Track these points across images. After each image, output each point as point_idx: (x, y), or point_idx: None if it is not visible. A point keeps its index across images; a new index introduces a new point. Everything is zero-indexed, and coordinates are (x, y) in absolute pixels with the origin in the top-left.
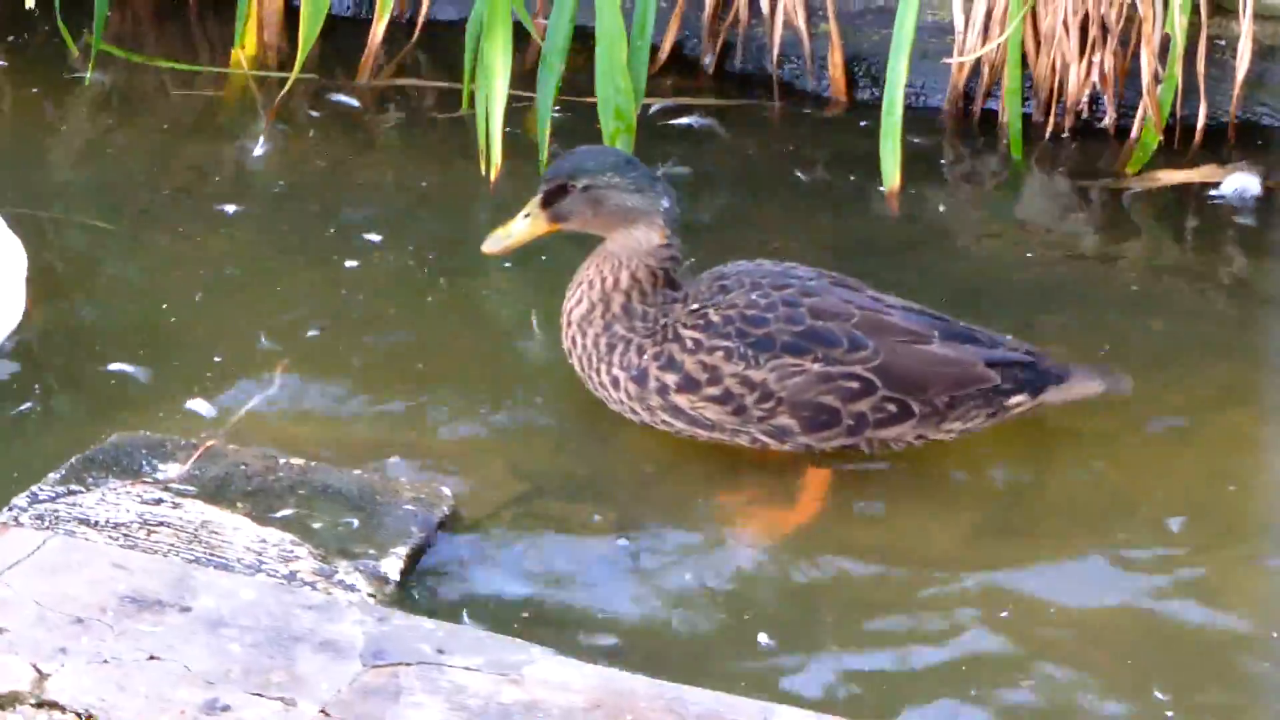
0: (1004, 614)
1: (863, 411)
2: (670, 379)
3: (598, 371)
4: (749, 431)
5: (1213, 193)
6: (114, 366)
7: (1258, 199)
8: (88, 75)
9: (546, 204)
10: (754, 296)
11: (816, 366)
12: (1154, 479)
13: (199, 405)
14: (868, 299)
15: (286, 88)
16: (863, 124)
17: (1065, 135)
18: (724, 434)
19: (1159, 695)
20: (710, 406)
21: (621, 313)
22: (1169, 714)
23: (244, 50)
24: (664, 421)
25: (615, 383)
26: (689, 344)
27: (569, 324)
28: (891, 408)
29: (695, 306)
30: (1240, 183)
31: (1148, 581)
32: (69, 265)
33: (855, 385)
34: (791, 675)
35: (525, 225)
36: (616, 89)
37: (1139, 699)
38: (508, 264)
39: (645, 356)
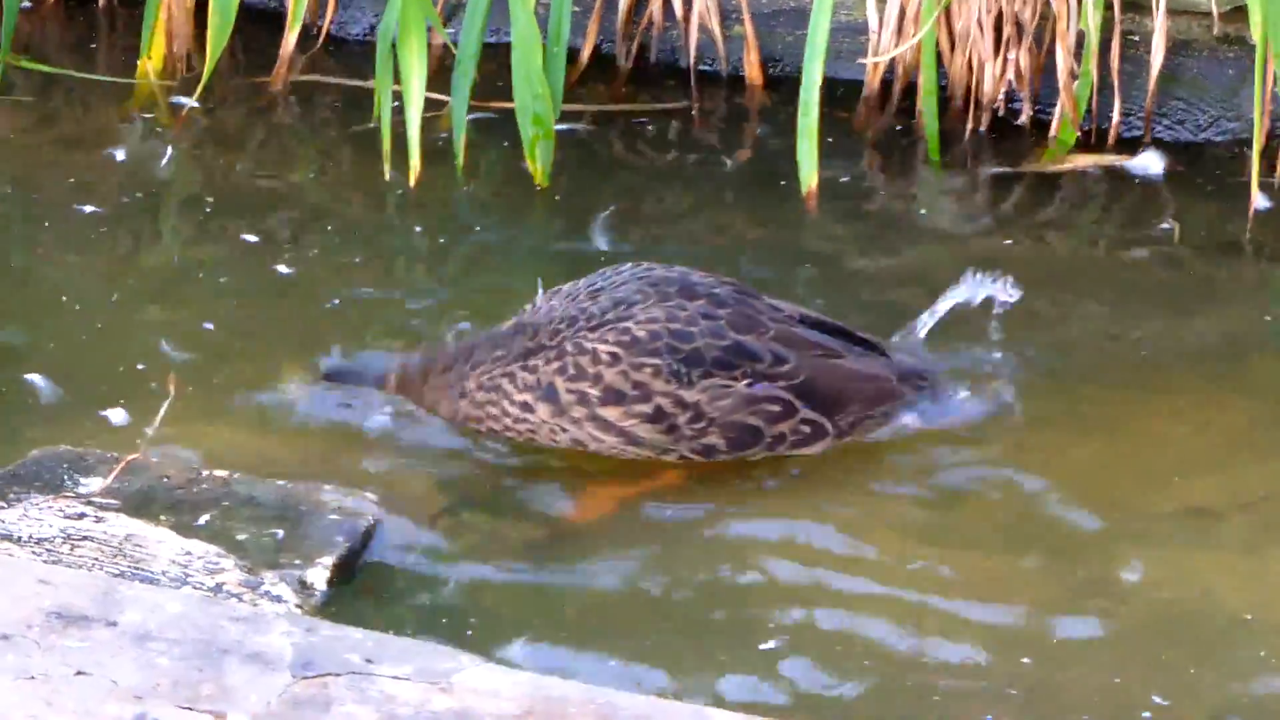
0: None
1: (783, 432)
2: (590, 389)
3: (504, 413)
4: (678, 450)
5: (1126, 165)
6: (29, 378)
7: (1163, 177)
8: None
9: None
10: (671, 308)
11: (744, 385)
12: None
13: (112, 416)
14: (769, 307)
15: (195, 96)
16: (779, 124)
17: (982, 133)
18: (653, 451)
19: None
20: (641, 425)
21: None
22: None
23: (150, 60)
24: (593, 437)
25: (528, 407)
26: (604, 356)
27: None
28: (806, 429)
29: (595, 325)
30: (1145, 161)
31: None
32: None
33: (778, 408)
34: (726, 678)
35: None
36: (534, 95)
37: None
38: (420, 268)
39: (544, 374)
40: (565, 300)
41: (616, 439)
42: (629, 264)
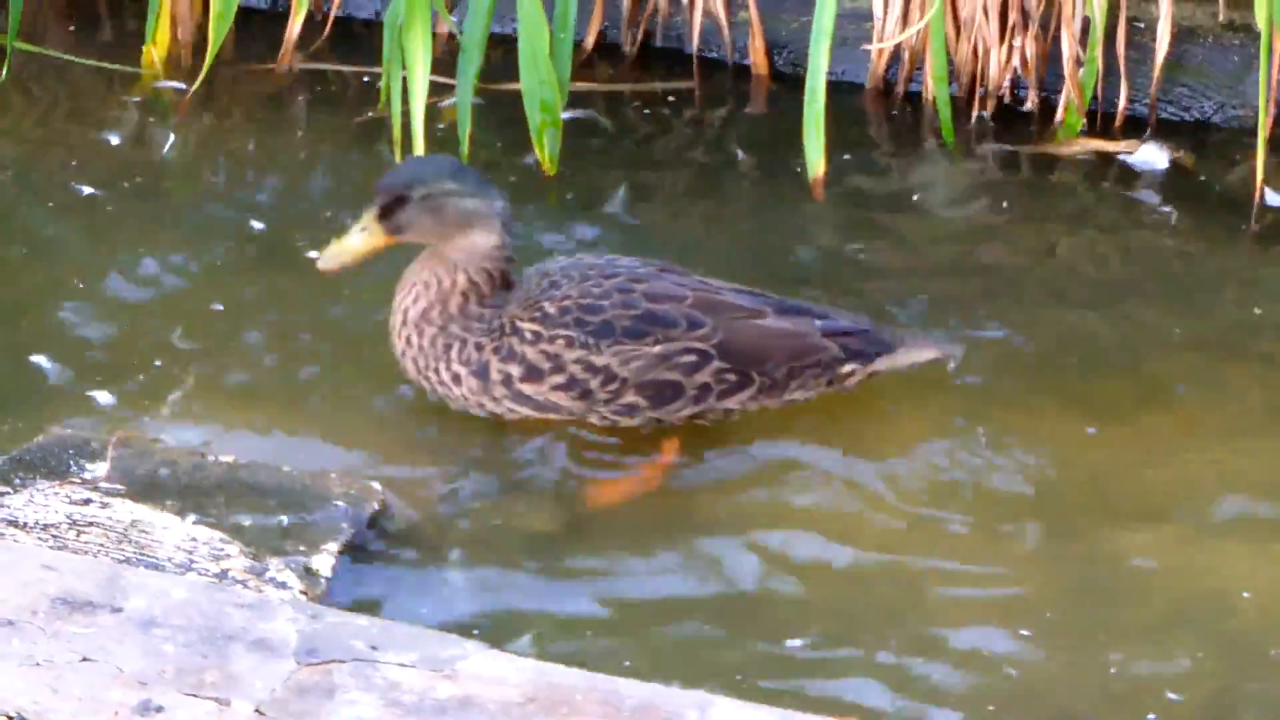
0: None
1: (706, 382)
2: (513, 369)
3: (436, 371)
4: (598, 412)
5: (1126, 159)
6: (35, 359)
7: (1166, 171)
8: (2, 73)
9: (383, 216)
10: (587, 285)
11: (657, 349)
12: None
13: (118, 400)
14: (696, 281)
15: (196, 84)
16: (785, 111)
17: (988, 119)
18: (572, 417)
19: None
20: (557, 394)
21: (458, 313)
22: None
23: (156, 48)
24: (510, 409)
25: (456, 379)
26: (528, 335)
27: (404, 323)
28: (732, 377)
29: (529, 302)
30: (1148, 155)
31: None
32: None
33: (693, 359)
34: (733, 665)
35: (361, 239)
36: (540, 81)
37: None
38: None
39: (484, 352)
40: (529, 283)
41: (531, 409)
42: (563, 256)
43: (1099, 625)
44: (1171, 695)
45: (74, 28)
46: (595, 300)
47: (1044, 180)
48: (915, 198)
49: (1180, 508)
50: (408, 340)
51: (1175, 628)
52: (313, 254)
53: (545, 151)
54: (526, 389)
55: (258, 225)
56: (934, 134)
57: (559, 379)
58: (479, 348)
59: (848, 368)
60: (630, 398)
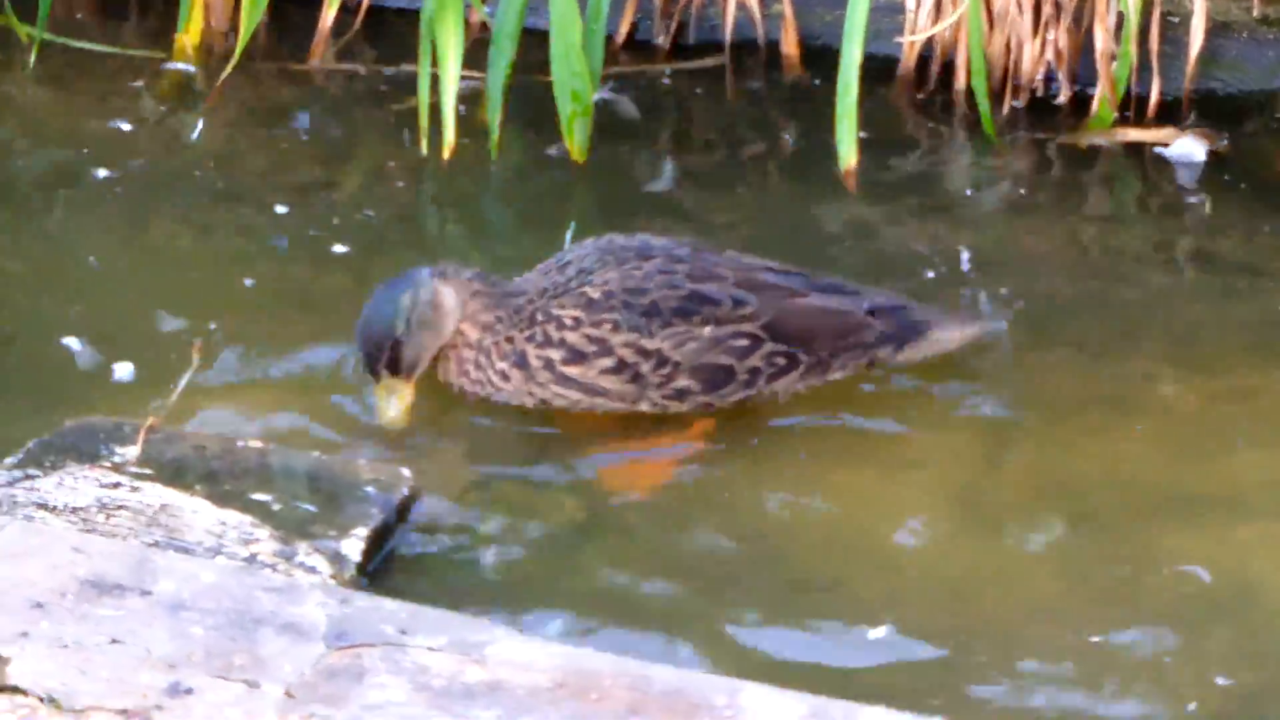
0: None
1: (757, 366)
2: (554, 354)
3: (490, 384)
4: (649, 397)
5: (1163, 151)
6: (65, 341)
7: (1203, 164)
8: (30, 63)
9: (395, 371)
10: (626, 269)
11: (707, 330)
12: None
13: (148, 382)
14: (735, 259)
15: (226, 71)
16: (816, 104)
17: (1020, 111)
18: (623, 403)
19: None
20: (606, 377)
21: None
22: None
23: (188, 36)
24: (557, 394)
25: (504, 376)
26: (568, 321)
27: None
28: (781, 360)
29: (560, 293)
30: (1186, 148)
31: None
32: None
33: (745, 343)
34: (764, 650)
35: (399, 400)
36: (572, 72)
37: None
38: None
39: (518, 342)
40: (539, 275)
41: (580, 393)
42: (592, 239)
43: (1142, 616)
44: (1218, 680)
45: (103, 18)
46: (639, 283)
47: (1078, 170)
48: (947, 187)
49: (1224, 498)
50: (465, 379)
51: (1222, 620)
52: (338, 248)
53: (574, 141)
54: (571, 372)
55: (281, 209)
56: (966, 126)
57: (607, 362)
58: (510, 340)
59: (888, 349)
60: (682, 381)
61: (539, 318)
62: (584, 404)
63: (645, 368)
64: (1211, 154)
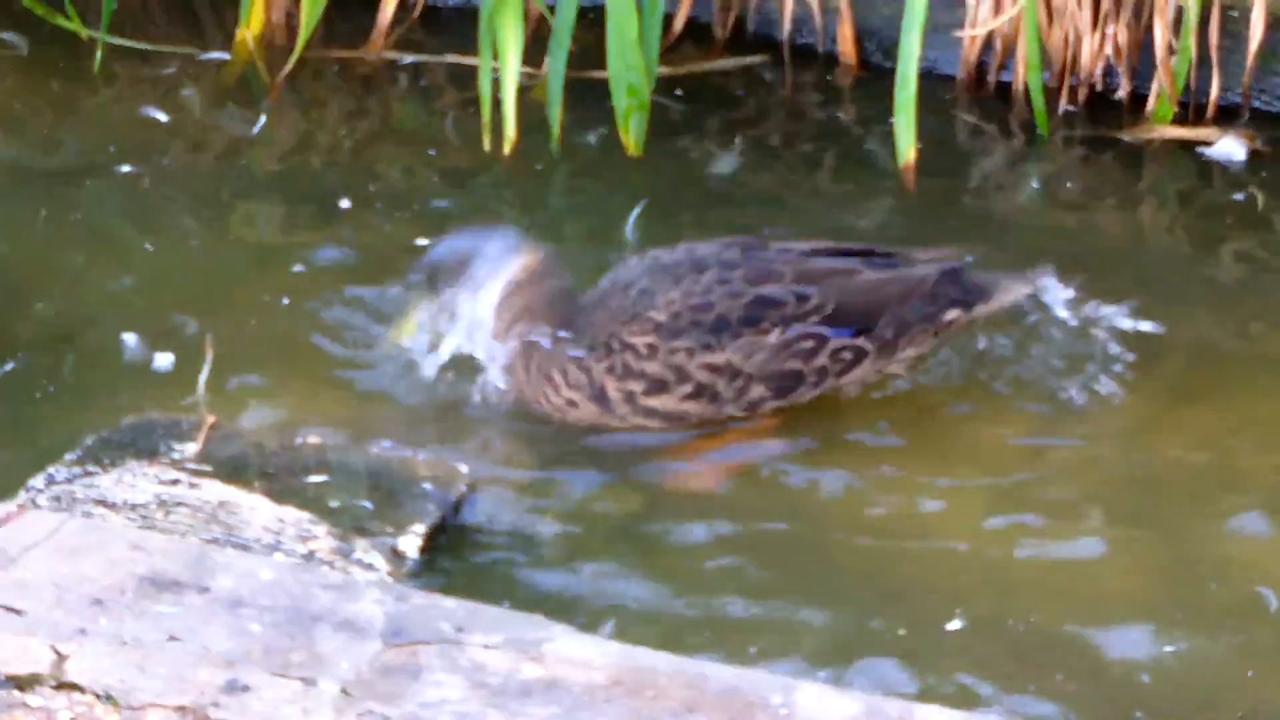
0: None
1: (823, 365)
2: (635, 386)
3: (545, 398)
4: (725, 412)
5: (1205, 152)
6: (124, 337)
7: (1244, 163)
8: (96, 63)
9: (437, 294)
10: (686, 285)
11: (774, 336)
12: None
13: (194, 379)
14: (779, 252)
15: (289, 66)
16: (876, 98)
17: (1079, 107)
18: (701, 420)
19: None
20: (687, 404)
21: (538, 350)
22: None
23: (249, 29)
24: (639, 425)
25: (572, 404)
26: (642, 350)
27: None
28: (847, 355)
29: (628, 318)
30: (1227, 148)
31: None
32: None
33: (810, 344)
34: (822, 650)
35: (416, 325)
36: (628, 66)
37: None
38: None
39: (596, 374)
40: (608, 294)
41: (662, 421)
42: (634, 257)
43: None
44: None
45: (169, 15)
46: (702, 298)
47: (1133, 166)
48: (1004, 185)
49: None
50: (532, 396)
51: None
52: (400, 240)
53: (630, 136)
54: (653, 403)
55: (345, 204)
56: (1023, 122)
57: (686, 388)
58: (585, 369)
59: (956, 311)
60: (756, 392)
61: (614, 346)
62: (663, 429)
63: (721, 385)
64: (1254, 153)
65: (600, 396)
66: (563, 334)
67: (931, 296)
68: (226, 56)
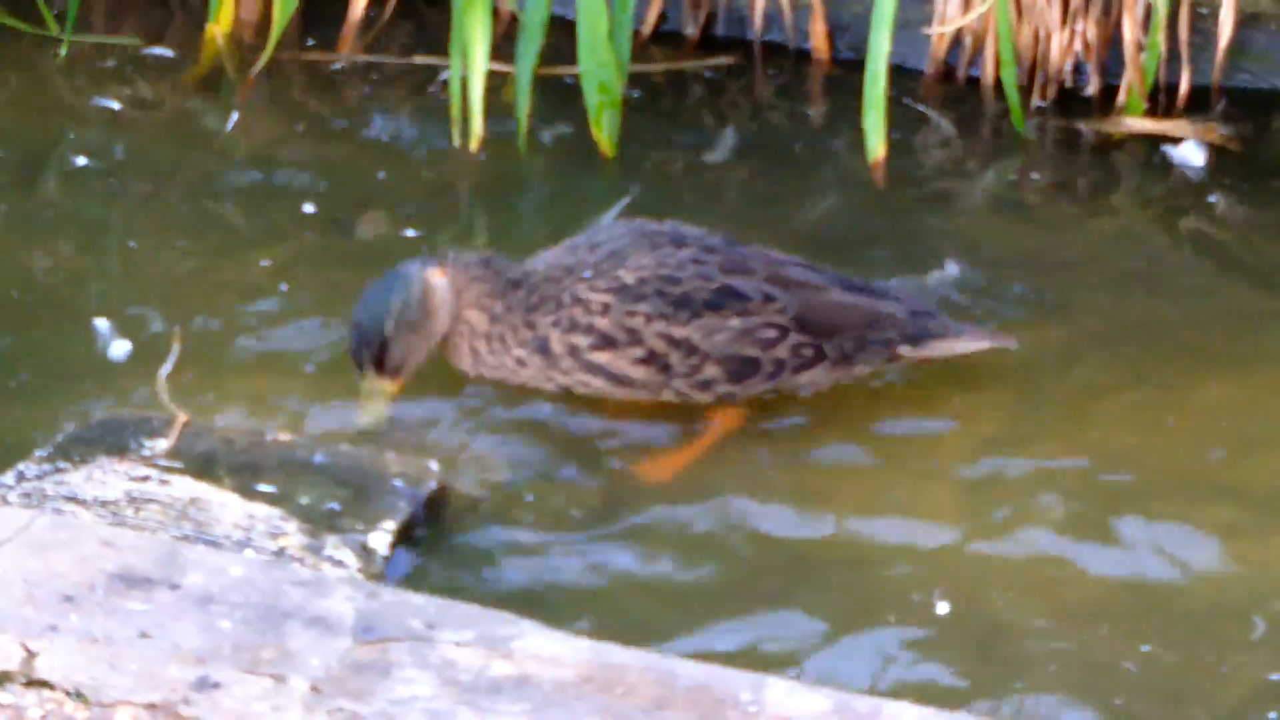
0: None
1: (782, 357)
2: (581, 340)
3: (505, 368)
4: (673, 386)
5: (1168, 151)
6: (94, 322)
7: (1203, 168)
8: (60, 56)
9: (381, 370)
10: (660, 255)
11: (736, 321)
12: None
13: (162, 375)
14: (763, 254)
15: (260, 64)
16: (847, 94)
17: (1048, 102)
18: (646, 391)
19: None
20: (635, 367)
21: (491, 324)
22: None
23: (219, 26)
24: (581, 382)
25: (521, 363)
26: (597, 306)
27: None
28: (807, 352)
29: (589, 274)
30: (1186, 153)
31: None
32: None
33: (772, 334)
34: (790, 645)
35: (382, 400)
36: (600, 63)
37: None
38: (483, 232)
39: (540, 326)
40: (565, 252)
41: (605, 381)
42: (623, 220)
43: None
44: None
45: (139, 11)
46: (673, 271)
47: (1103, 162)
48: (971, 181)
49: (1259, 488)
50: (483, 366)
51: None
52: (370, 237)
53: (604, 134)
54: (599, 359)
55: (309, 206)
56: (993, 118)
57: (638, 352)
58: (530, 325)
59: (905, 348)
60: (709, 372)
61: (565, 300)
62: (606, 391)
63: (674, 358)
64: (1220, 150)
65: (544, 348)
66: (506, 299)
67: (892, 325)
68: (195, 53)
